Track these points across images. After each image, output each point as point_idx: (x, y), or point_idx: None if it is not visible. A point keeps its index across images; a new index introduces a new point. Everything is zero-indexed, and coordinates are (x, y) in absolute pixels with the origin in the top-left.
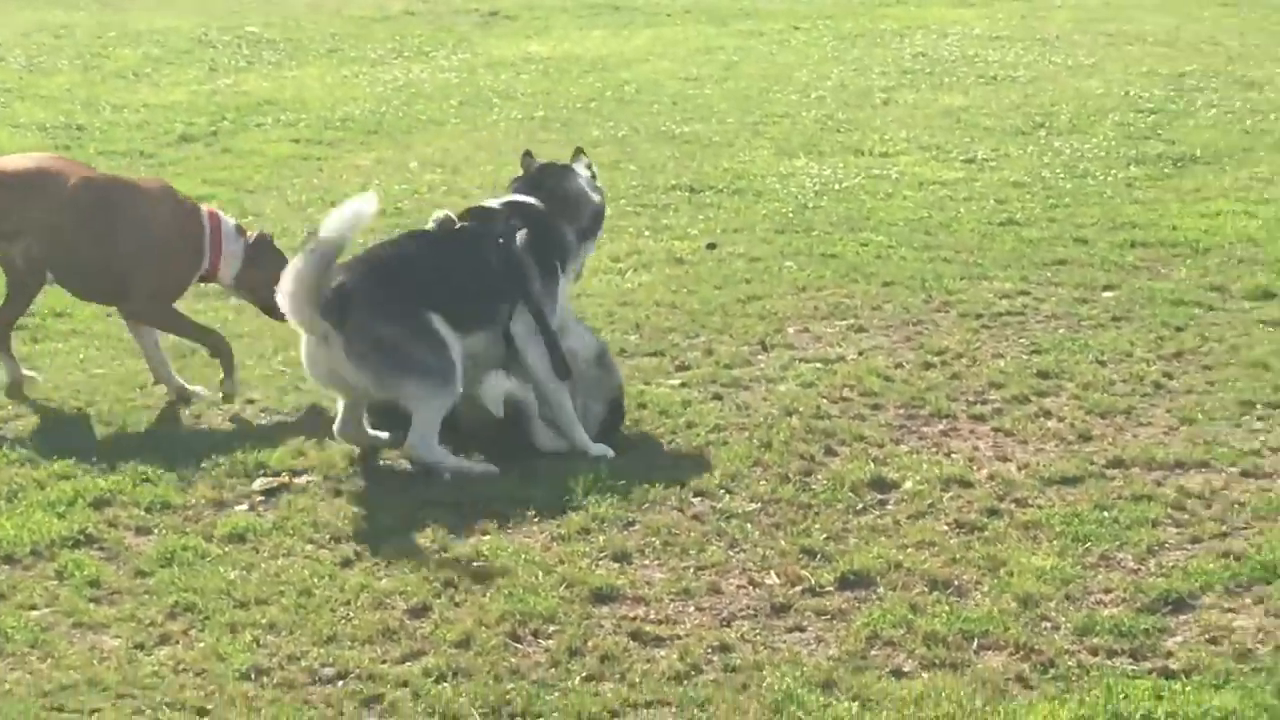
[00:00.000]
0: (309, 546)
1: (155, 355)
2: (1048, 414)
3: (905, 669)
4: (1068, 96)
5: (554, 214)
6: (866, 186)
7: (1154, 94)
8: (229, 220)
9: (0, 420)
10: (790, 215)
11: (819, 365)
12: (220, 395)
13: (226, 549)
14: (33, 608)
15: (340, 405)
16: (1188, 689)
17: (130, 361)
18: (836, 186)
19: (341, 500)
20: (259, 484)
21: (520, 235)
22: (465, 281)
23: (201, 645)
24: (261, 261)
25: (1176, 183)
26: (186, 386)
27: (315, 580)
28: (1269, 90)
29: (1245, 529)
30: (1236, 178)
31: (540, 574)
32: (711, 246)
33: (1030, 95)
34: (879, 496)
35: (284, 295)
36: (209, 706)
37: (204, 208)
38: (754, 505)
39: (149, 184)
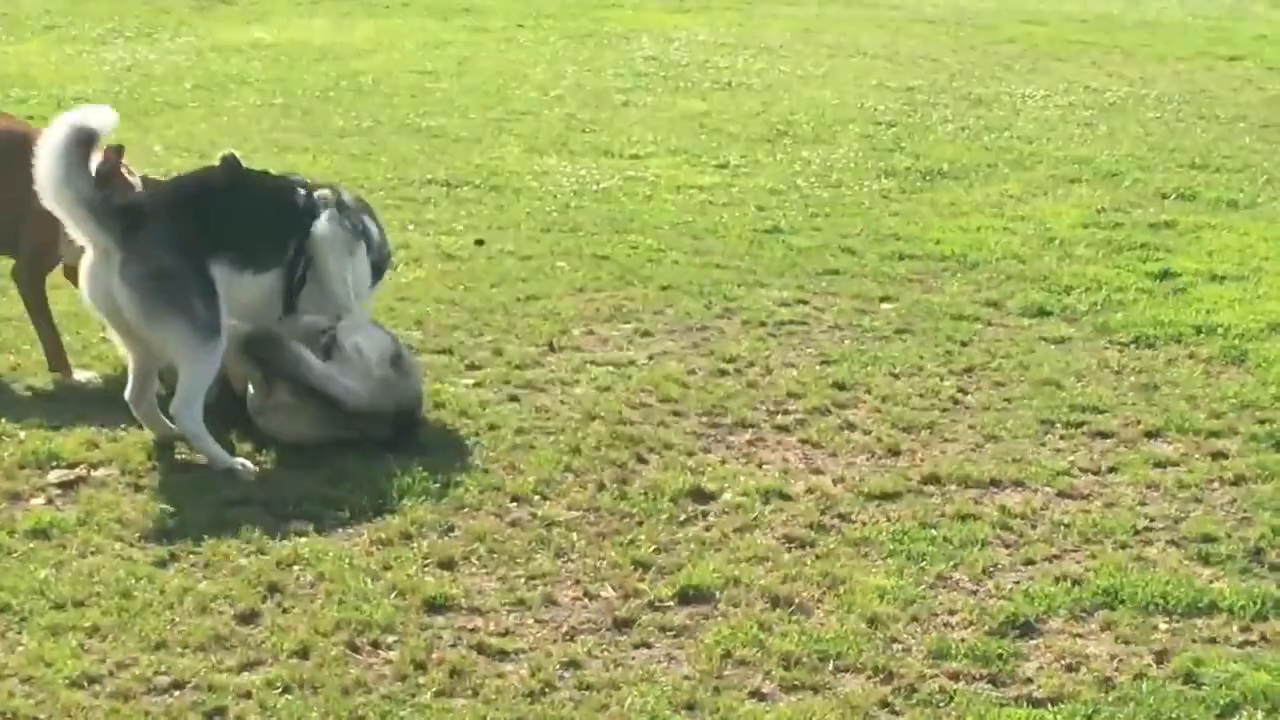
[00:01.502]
0: (119, 545)
1: None
2: (851, 426)
3: (764, 690)
4: (805, 106)
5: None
6: (624, 188)
7: (889, 107)
8: None
9: None
10: (553, 214)
11: (612, 369)
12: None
13: (31, 545)
14: None
15: (130, 366)
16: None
17: None
18: (594, 187)
19: (145, 496)
20: (54, 476)
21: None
22: (261, 222)
23: (22, 650)
24: None
25: (931, 196)
26: None
27: (133, 581)
28: (996, 108)
29: (1075, 551)
30: (987, 193)
31: (369, 581)
32: (480, 243)
33: (768, 103)
34: (700, 507)
35: (47, 181)
36: (40, 717)
37: None
38: (574, 513)
39: None
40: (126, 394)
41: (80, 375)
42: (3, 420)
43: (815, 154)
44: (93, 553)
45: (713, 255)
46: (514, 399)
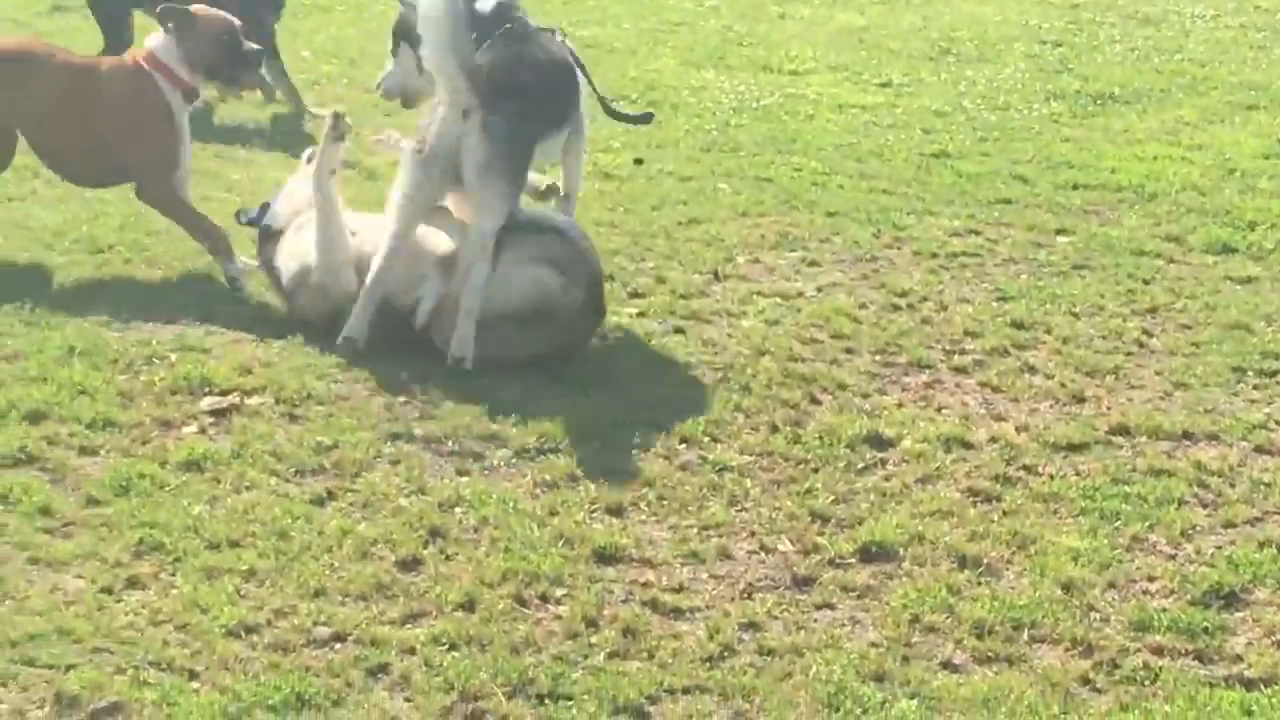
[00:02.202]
0: (274, 480)
1: None
2: (1032, 369)
3: (956, 661)
4: (966, 22)
5: None
6: (785, 106)
7: (1053, 25)
8: (156, 40)
9: None
10: (713, 133)
11: (779, 301)
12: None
13: (184, 478)
14: None
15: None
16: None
17: (49, 256)
18: (754, 105)
19: (300, 428)
20: (207, 404)
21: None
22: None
23: (176, 593)
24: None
25: (1103, 121)
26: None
27: (290, 521)
28: (1165, 28)
29: (1278, 514)
30: (1161, 120)
31: (534, 527)
32: (639, 162)
33: (928, 18)
34: (878, 455)
35: (435, 49)
36: (198, 669)
37: (133, 57)
38: (746, 458)
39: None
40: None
41: (239, 265)
42: (154, 342)
43: (980, 74)
44: (247, 488)
45: (879, 180)
46: (679, 331)
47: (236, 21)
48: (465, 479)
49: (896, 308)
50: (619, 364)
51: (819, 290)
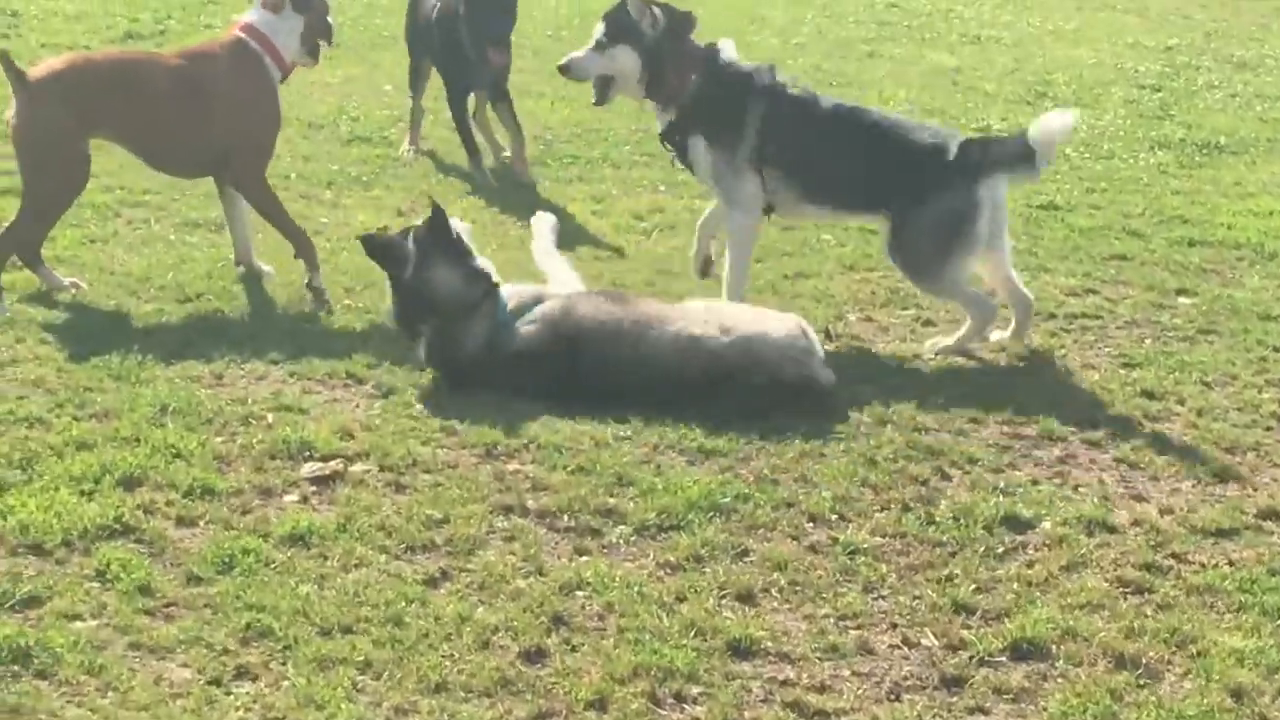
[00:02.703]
0: (384, 557)
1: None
2: (1167, 444)
3: None
4: (1061, 65)
5: None
6: None
7: (1149, 68)
8: (255, 14)
9: None
10: None
11: (897, 364)
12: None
13: (289, 553)
14: (79, 618)
15: None
16: None
17: (135, 304)
18: None
19: (407, 498)
20: (308, 470)
21: None
22: None
23: (289, 685)
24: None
25: (1212, 173)
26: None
27: (404, 605)
28: (1263, 73)
29: None
30: (1272, 172)
31: (663, 615)
32: None
33: (1021, 60)
34: (1017, 537)
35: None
36: None
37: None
38: (879, 539)
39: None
40: None
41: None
42: (249, 400)
43: (1080, 119)
44: (356, 565)
45: None
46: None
47: None
48: (585, 559)
49: (1019, 372)
50: (736, 429)
51: (936, 353)
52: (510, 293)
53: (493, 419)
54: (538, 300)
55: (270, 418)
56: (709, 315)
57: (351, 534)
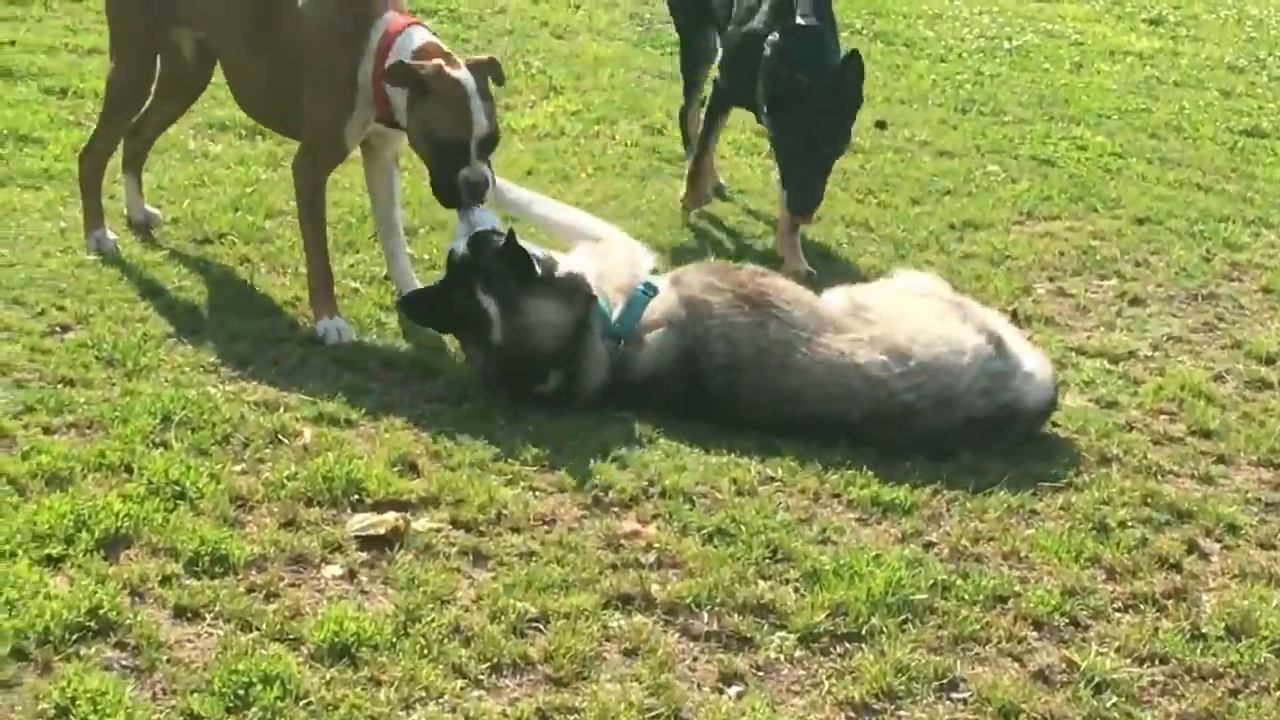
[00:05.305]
0: (459, 684)
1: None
2: None
3: None
4: None
5: None
6: (1043, 49)
7: None
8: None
9: None
10: (965, 85)
11: (1107, 366)
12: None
13: (327, 676)
14: None
15: None
16: None
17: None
18: (1005, 46)
19: (489, 576)
20: (357, 524)
21: None
22: None
23: None
24: None
25: None
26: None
27: None
28: None
29: None
30: None
31: None
32: (881, 125)
33: None
34: None
35: None
36: None
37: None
38: (1130, 663)
39: None
40: None
41: (334, 328)
42: (281, 408)
43: (1266, 12)
44: (421, 700)
45: (1187, 168)
46: None
47: None
48: (735, 690)
49: (1266, 384)
50: (916, 467)
51: (1155, 349)
52: (597, 290)
53: (598, 442)
54: (642, 292)
55: (307, 434)
56: (868, 326)
57: (415, 642)
